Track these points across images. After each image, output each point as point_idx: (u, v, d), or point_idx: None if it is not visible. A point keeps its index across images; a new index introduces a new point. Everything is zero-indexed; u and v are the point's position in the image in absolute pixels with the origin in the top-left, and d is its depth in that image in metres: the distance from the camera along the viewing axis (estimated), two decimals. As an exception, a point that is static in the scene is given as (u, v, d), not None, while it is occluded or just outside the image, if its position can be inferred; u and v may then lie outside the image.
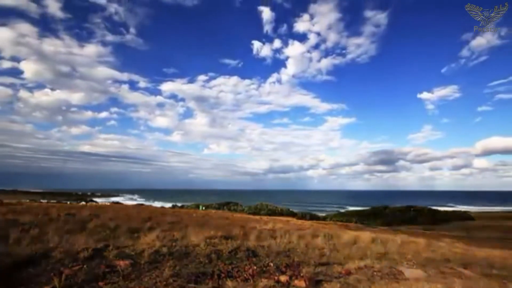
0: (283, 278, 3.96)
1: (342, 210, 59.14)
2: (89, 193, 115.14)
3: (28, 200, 43.96)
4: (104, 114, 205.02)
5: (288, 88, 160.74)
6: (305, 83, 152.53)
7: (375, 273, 4.58)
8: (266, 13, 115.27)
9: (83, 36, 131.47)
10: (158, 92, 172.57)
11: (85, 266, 3.98)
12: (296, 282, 3.85)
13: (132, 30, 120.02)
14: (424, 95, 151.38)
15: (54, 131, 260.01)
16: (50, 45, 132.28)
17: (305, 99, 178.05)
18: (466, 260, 6.55)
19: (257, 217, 27.57)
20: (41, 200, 50.03)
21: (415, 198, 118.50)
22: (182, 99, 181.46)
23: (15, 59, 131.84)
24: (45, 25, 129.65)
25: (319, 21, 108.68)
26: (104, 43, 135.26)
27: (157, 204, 59.13)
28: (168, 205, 55.41)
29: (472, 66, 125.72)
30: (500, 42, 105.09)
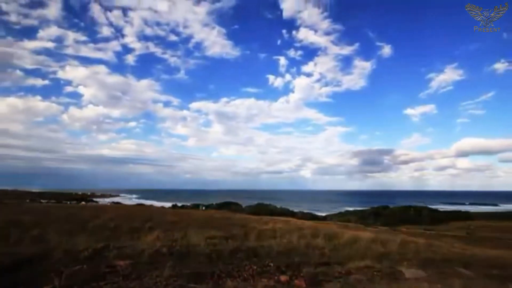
0: (283, 278, 3.96)
1: (342, 210, 59.13)
2: (89, 193, 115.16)
3: (28, 200, 44.02)
4: (132, 124, 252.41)
5: (295, 106, 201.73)
6: (308, 103, 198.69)
7: (375, 273, 4.58)
8: (282, 60, 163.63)
9: (143, 75, 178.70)
10: (186, 108, 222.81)
11: (85, 266, 3.98)
12: (296, 282, 3.85)
13: (182, 71, 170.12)
14: (408, 111, 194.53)
15: (84, 137, 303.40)
16: (113, 79, 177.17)
17: (309, 113, 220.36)
18: (466, 260, 6.55)
19: (257, 217, 27.55)
20: (41, 200, 50.09)
21: (410, 198, 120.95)
22: (205, 113, 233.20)
23: (79, 85, 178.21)
24: (117, 68, 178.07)
25: (321, 66, 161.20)
26: (157, 79, 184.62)
27: (158, 204, 59.12)
28: (168, 205, 55.42)
29: (442, 92, 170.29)
30: (460, 78, 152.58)
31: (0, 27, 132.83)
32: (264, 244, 6.48)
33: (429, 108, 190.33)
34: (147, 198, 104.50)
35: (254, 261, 5.04)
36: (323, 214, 48.47)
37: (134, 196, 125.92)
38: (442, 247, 8.53)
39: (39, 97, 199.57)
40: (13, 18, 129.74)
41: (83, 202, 44.73)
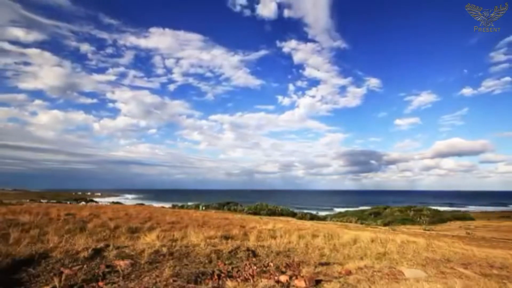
0: (283, 278, 3.96)
1: (342, 210, 59.13)
2: (89, 193, 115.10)
3: (28, 200, 44.01)
4: (153, 131, 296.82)
5: (299, 118, 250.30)
6: (311, 116, 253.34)
7: (375, 273, 4.58)
8: (291, 87, 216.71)
9: (177, 97, 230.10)
10: (205, 119, 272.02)
11: (85, 266, 3.98)
12: (296, 282, 3.85)
13: (209, 94, 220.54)
14: (398, 121, 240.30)
15: (105, 142, 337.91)
16: (151, 99, 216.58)
17: (311, 123, 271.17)
18: (466, 260, 6.55)
19: (257, 217, 27.60)
20: (41, 200, 50.07)
21: (403, 197, 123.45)
22: (221, 123, 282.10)
23: (120, 103, 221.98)
24: (158, 92, 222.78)
25: (322, 91, 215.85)
26: (188, 100, 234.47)
27: (157, 204, 59.09)
28: (168, 205, 55.40)
29: (424, 108, 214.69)
30: (435, 100, 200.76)
31: (79, 66, 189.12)
32: (264, 244, 6.49)
33: (415, 120, 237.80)
34: (147, 198, 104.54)
35: (254, 261, 5.05)
36: (323, 214, 48.46)
37: (135, 196, 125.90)
38: (442, 247, 8.53)
39: (82, 111, 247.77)
40: (93, 62, 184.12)
41: (83, 202, 44.69)
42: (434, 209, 49.30)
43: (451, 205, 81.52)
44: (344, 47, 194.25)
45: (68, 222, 8.87)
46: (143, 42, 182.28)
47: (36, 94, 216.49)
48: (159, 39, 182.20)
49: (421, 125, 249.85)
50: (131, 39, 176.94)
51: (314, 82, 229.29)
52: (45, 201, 48.14)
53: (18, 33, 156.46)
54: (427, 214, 43.38)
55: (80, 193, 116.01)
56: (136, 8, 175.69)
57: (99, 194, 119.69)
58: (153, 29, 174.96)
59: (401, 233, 19.07)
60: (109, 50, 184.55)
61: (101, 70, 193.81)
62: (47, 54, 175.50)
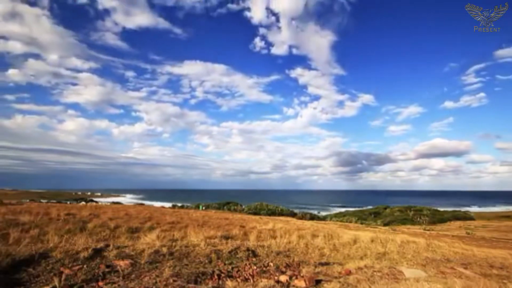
0: (283, 278, 3.96)
1: (342, 210, 59.13)
2: (89, 193, 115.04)
3: (28, 200, 44.00)
4: (166, 135, 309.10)
5: (301, 125, 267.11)
6: (312, 123, 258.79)
7: (375, 273, 4.58)
8: (295, 101, 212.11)
9: (195, 109, 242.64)
10: (217, 125, 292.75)
11: (85, 266, 3.98)
12: (296, 282, 3.85)
13: (224, 107, 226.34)
14: (392, 128, 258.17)
15: (119, 145, 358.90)
16: (172, 110, 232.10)
17: (312, 130, 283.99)
18: (466, 260, 6.55)
19: (257, 217, 27.55)
20: (41, 200, 50.07)
21: (398, 197, 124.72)
22: (230, 129, 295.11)
23: (143, 112, 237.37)
24: (179, 104, 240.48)
25: (322, 104, 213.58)
26: (205, 111, 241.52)
27: (157, 204, 59.06)
28: (168, 205, 55.38)
29: (413, 118, 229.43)
30: (423, 111, 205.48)
31: (119, 86, 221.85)
32: (264, 244, 6.48)
33: (407, 126, 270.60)
34: (147, 198, 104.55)
35: (254, 261, 5.05)
36: (323, 214, 48.45)
37: (135, 196, 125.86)
38: (442, 247, 8.53)
39: (106, 120, 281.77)
40: (132, 83, 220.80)
41: (83, 202, 44.68)
42: (434, 209, 49.25)
43: (450, 205, 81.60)
44: (342, 74, 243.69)
45: (68, 222, 8.87)
46: (176, 70, 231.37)
47: (72, 106, 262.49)
48: (190, 67, 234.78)
49: (413, 131, 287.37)
50: (167, 68, 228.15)
51: (316, 97, 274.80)
52: (45, 201, 48.11)
53: (77, 62, 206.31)
54: (427, 214, 43.33)
55: (80, 193, 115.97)
56: (177, 46, 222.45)
57: (99, 194, 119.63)
58: (186, 61, 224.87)
59: (401, 233, 19.06)
60: (147, 76, 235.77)
61: (136, 89, 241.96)
62: (95, 77, 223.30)
